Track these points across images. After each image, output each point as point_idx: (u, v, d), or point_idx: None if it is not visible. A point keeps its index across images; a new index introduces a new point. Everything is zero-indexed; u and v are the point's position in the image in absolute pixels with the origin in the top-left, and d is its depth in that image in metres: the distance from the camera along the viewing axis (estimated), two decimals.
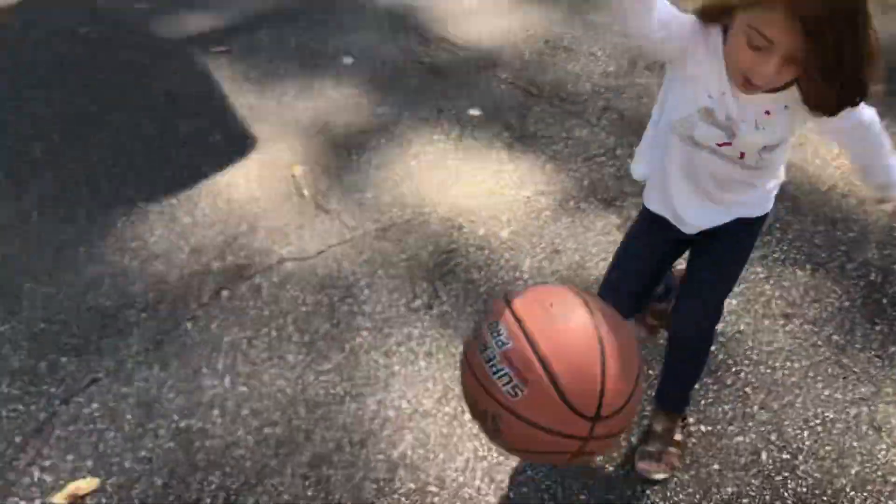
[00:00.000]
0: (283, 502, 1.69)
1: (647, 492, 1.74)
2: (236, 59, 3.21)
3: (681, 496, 1.74)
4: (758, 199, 1.61)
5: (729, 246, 1.63)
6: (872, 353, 2.09)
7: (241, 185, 2.57)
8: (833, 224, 2.51)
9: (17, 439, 1.80)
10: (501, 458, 1.79)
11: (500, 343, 1.17)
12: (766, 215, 1.65)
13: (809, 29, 1.17)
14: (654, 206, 1.62)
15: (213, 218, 2.43)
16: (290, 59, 3.22)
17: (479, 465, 1.78)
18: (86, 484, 1.71)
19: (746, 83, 1.31)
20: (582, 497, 1.73)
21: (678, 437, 1.81)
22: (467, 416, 1.87)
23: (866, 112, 1.46)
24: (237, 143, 2.75)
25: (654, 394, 1.84)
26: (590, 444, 1.20)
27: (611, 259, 1.76)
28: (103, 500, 1.68)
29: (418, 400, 1.92)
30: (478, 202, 2.54)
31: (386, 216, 2.47)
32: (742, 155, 1.45)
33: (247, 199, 2.52)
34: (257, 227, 2.41)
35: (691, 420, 1.90)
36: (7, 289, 2.18)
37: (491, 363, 1.18)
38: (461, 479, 1.75)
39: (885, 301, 2.24)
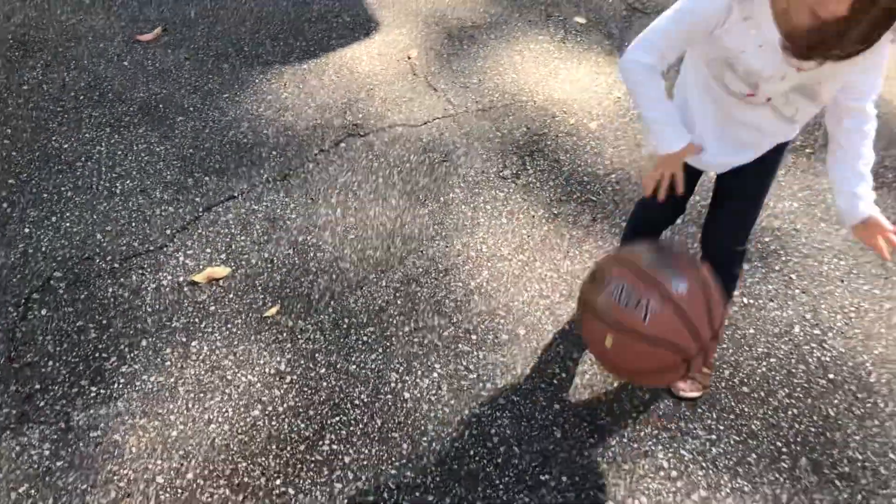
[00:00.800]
0: (376, 306, 2.04)
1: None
2: None
3: (717, 351, 2.00)
4: (788, 132, 1.59)
5: (757, 172, 1.63)
6: None
7: (363, 60, 2.89)
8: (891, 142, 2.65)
9: (168, 232, 2.19)
10: (562, 298, 2.09)
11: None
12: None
13: None
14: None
15: (337, 83, 2.76)
16: None
17: (542, 301, 2.08)
18: (220, 270, 2.09)
19: (814, 17, 1.22)
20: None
21: (711, 358, 1.88)
22: (537, 263, 2.17)
23: (872, 121, 1.45)
24: (363, 25, 3.06)
25: None
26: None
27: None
28: (233, 284, 2.06)
29: (497, 246, 2.22)
30: (572, 96, 2.78)
31: (487, 99, 2.75)
32: (768, 98, 1.45)
33: (367, 72, 2.83)
34: (374, 96, 2.73)
35: (736, 293, 2.14)
36: (163, 120, 2.57)
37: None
38: (525, 309, 2.06)
39: None
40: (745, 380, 1.94)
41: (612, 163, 2.53)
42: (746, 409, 1.88)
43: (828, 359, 2.01)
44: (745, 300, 2.14)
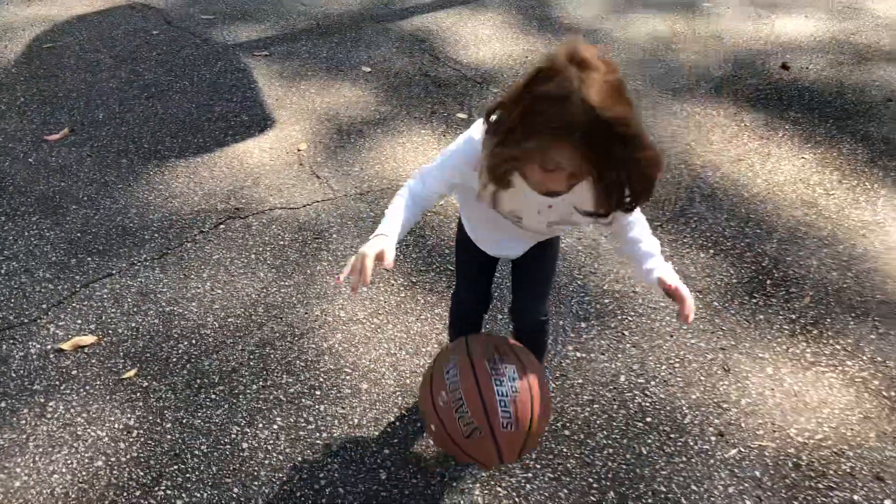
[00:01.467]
0: (229, 367, 2.19)
1: None
2: (273, 62, 3.82)
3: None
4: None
5: (542, 257, 1.85)
6: (743, 318, 2.48)
7: (255, 153, 3.14)
8: (746, 222, 2.90)
9: (44, 306, 2.36)
10: (407, 356, 2.26)
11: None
12: None
13: (589, 156, 1.30)
14: (481, 245, 1.82)
15: (227, 174, 3.00)
16: (318, 65, 3.82)
17: (388, 359, 2.25)
18: (87, 339, 2.25)
19: (547, 192, 1.45)
20: None
21: None
22: (389, 325, 2.35)
23: (640, 221, 1.67)
24: (259, 123, 3.33)
25: None
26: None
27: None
28: (97, 351, 2.22)
29: (354, 311, 2.40)
30: None
31: (366, 184, 2.99)
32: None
33: (257, 163, 3.08)
34: (260, 183, 2.96)
35: (570, 348, 2.32)
36: (57, 209, 2.77)
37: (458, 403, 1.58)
38: (371, 366, 2.22)
39: (768, 282, 2.62)
40: (567, 424, 2.10)
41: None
42: (564, 450, 2.03)
43: (647, 404, 2.17)
44: (577, 354, 2.31)
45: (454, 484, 1.92)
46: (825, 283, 2.63)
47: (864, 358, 2.35)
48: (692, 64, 3.99)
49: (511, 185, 1.46)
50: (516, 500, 1.90)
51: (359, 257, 1.44)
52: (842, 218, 2.94)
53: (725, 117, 3.55)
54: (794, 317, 2.49)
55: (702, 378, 2.26)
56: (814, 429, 2.13)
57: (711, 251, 2.75)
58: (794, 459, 2.04)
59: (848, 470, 2.02)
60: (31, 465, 1.90)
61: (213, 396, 2.10)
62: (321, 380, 2.17)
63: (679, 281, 1.62)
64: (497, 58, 3.97)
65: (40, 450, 1.93)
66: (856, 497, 1.96)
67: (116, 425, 2.01)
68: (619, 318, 2.45)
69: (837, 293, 2.59)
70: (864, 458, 2.06)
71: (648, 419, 2.13)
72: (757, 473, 2.00)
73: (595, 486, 1.94)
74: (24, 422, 2.00)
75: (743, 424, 2.13)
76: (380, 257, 1.45)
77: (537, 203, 1.55)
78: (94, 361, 2.18)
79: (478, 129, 1.51)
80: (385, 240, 1.48)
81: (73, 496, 1.83)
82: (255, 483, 1.89)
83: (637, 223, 1.68)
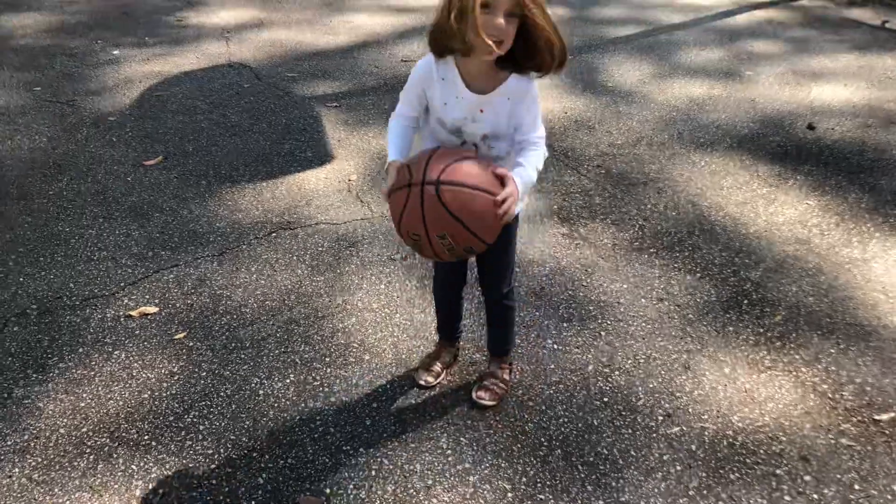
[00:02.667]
0: (259, 336, 2.65)
1: (486, 413, 2.53)
2: (341, 111, 4.40)
3: (518, 377, 2.52)
4: None
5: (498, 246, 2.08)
6: (713, 329, 2.77)
7: (311, 181, 3.67)
8: (737, 253, 3.19)
9: (122, 284, 2.90)
10: (406, 337, 2.66)
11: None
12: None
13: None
14: None
15: (284, 195, 3.53)
16: (379, 115, 4.37)
17: (391, 339, 2.66)
18: (150, 309, 2.76)
19: (483, 44, 1.79)
20: (440, 420, 2.56)
21: (506, 376, 2.45)
22: (397, 315, 2.77)
23: (538, 146, 1.99)
24: (320, 158, 3.87)
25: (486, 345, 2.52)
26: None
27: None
28: (157, 318, 2.72)
29: (369, 302, 2.84)
30: None
31: None
32: (475, 145, 1.99)
33: (312, 188, 3.60)
34: (311, 203, 3.48)
35: (549, 341, 2.67)
36: (144, 215, 3.35)
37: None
38: (375, 343, 2.63)
39: (745, 302, 2.91)
40: (532, 397, 2.44)
41: None
42: (525, 416, 2.37)
43: (607, 388, 2.49)
44: (554, 346, 2.66)
45: (424, 433, 2.29)
46: (799, 305, 2.89)
47: (819, 367, 2.60)
48: (719, 122, 4.33)
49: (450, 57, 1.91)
50: (474, 447, 2.25)
51: (390, 176, 1.93)
52: (831, 254, 3.19)
53: (741, 168, 3.86)
54: (762, 331, 2.76)
55: (662, 372, 2.57)
56: (755, 417, 2.39)
57: (698, 275, 3.05)
58: (730, 439, 2.31)
59: (777, 451, 2.28)
60: (95, 392, 2.40)
61: (243, 356, 2.56)
62: (332, 350, 2.60)
63: (515, 178, 1.90)
64: None
65: (103, 382, 2.43)
66: (778, 471, 2.21)
67: (163, 371, 2.49)
68: (599, 321, 2.79)
69: (809, 315, 2.84)
70: (794, 442, 2.31)
71: (605, 399, 2.45)
72: (693, 447, 2.28)
73: (545, 444, 2.27)
74: (94, 363, 2.51)
75: (690, 409, 2.42)
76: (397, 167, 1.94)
77: (471, 106, 1.95)
78: (153, 325, 2.69)
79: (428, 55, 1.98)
80: (398, 163, 1.96)
81: (123, 416, 2.31)
82: (264, 419, 2.32)
83: (534, 144, 2.00)
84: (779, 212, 3.48)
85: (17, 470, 2.15)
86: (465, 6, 1.83)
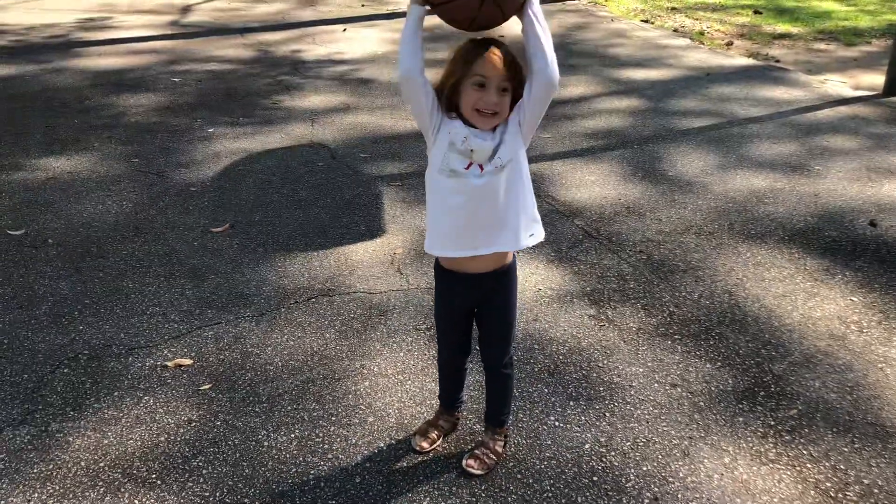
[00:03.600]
0: (276, 392, 2.83)
1: (472, 481, 2.60)
2: (402, 190, 4.64)
3: (512, 450, 2.58)
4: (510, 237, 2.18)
5: (501, 302, 2.31)
6: (722, 418, 2.74)
7: (359, 252, 3.89)
8: (764, 344, 3.15)
9: (165, 338, 3.15)
10: (413, 403, 2.77)
11: None
12: (515, 263, 2.31)
13: (508, 62, 2.01)
14: (447, 250, 2.23)
15: (331, 265, 3.75)
16: None
17: (398, 404, 2.78)
18: (185, 361, 2.99)
19: (479, 115, 2.02)
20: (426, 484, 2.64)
21: (498, 448, 2.51)
22: (409, 382, 2.89)
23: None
24: (372, 232, 4.10)
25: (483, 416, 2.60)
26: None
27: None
28: (190, 370, 2.95)
29: (386, 367, 2.97)
30: None
31: (431, 286, 3.60)
32: (480, 167, 2.08)
33: (358, 259, 3.81)
34: (354, 273, 3.68)
35: (552, 418, 2.72)
36: (200, 276, 3.64)
37: None
38: (382, 407, 2.76)
39: (762, 394, 2.87)
40: (523, 470, 2.49)
41: None
42: (511, 487, 2.42)
43: (599, 468, 2.51)
44: (556, 423, 2.71)
45: (409, 495, 2.38)
46: (819, 401, 2.82)
47: (827, 464, 2.53)
48: (775, 215, 4.29)
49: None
50: (455, 502, 2.31)
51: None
52: (865, 352, 3.10)
53: (788, 261, 3.82)
54: (773, 423, 2.72)
55: (659, 456, 2.56)
56: None
57: (719, 364, 3.03)
58: None
59: None
60: (118, 432, 2.62)
61: (257, 410, 2.74)
62: (339, 410, 2.74)
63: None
64: (591, 198, 4.52)
65: (128, 424, 2.66)
66: None
67: (182, 418, 2.69)
68: (607, 402, 2.81)
69: (827, 411, 2.78)
70: None
71: (595, 478, 2.46)
72: None
73: None
74: (124, 406, 2.75)
75: (679, 495, 2.40)
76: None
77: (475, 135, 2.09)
78: (184, 376, 2.92)
79: None
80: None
81: (138, 455, 2.51)
82: (262, 469, 2.47)
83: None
84: (818, 306, 3.42)
85: (36, 495, 2.37)
86: (459, 82, 2.05)
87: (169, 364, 2.99)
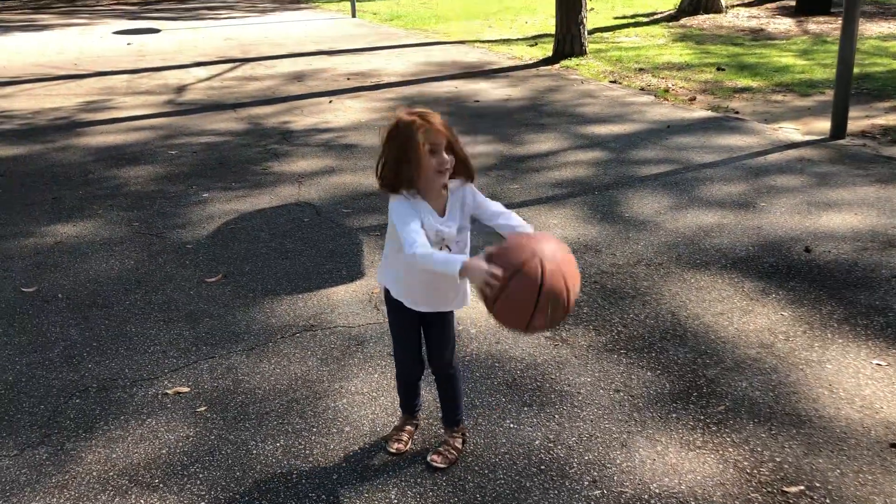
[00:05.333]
0: (264, 411, 3.20)
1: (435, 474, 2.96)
2: (381, 239, 5.03)
3: (471, 448, 2.94)
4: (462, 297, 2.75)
5: (445, 321, 2.78)
6: (658, 416, 3.11)
7: (340, 293, 4.29)
8: (700, 355, 3.53)
9: (165, 371, 3.54)
10: (384, 415, 3.14)
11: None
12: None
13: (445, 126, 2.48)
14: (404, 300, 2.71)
15: (315, 304, 4.15)
16: None
17: (370, 417, 3.15)
18: (184, 389, 3.37)
19: (439, 174, 2.48)
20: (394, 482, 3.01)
21: (458, 444, 2.88)
22: (381, 398, 3.26)
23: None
24: (353, 276, 4.51)
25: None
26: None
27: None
28: (188, 396, 3.32)
29: (361, 387, 3.35)
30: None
31: None
32: (449, 248, 2.58)
33: (339, 299, 4.21)
34: (335, 311, 4.08)
35: (507, 421, 3.09)
36: (195, 320, 4.04)
37: None
38: (357, 420, 3.13)
39: (694, 395, 3.24)
40: (479, 464, 2.85)
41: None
42: (468, 477, 2.78)
43: (547, 458, 2.87)
44: (510, 425, 3.07)
45: (379, 486, 2.73)
46: (745, 399, 3.20)
47: (746, 448, 2.90)
48: (720, 246, 4.72)
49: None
50: (419, 499, 2.67)
51: (475, 270, 2.33)
52: (790, 357, 3.49)
53: (728, 284, 4.22)
54: (702, 418, 3.08)
55: (600, 448, 2.93)
56: (672, 486, 2.71)
57: (658, 371, 3.41)
58: (642, 502, 2.64)
59: None
60: (125, 448, 2.98)
61: (247, 425, 3.11)
62: (320, 423, 3.11)
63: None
64: None
65: (133, 441, 3.02)
66: None
67: (181, 434, 3.06)
68: (557, 407, 3.18)
69: (751, 406, 3.15)
70: None
71: (543, 467, 2.82)
72: None
73: (479, 499, 2.66)
74: (130, 427, 3.11)
75: (615, 478, 2.76)
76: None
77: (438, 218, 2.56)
78: (182, 401, 3.29)
79: (394, 198, 2.58)
80: (472, 260, 2.36)
81: (143, 465, 2.87)
82: (251, 471, 2.83)
83: (505, 213, 2.66)
84: (751, 321, 3.81)
85: (54, 500, 2.72)
86: (418, 157, 2.47)
87: (169, 392, 3.36)
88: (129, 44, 14.18)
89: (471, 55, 12.09)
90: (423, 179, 2.53)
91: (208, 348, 3.73)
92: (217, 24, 16.99)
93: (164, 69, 11.56)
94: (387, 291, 2.81)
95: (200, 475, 2.83)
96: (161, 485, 2.78)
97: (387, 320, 3.90)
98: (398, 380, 2.99)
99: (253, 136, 7.77)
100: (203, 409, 3.23)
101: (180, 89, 10.18)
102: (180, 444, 3.01)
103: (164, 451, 2.97)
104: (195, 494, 2.73)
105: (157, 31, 15.88)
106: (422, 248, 2.44)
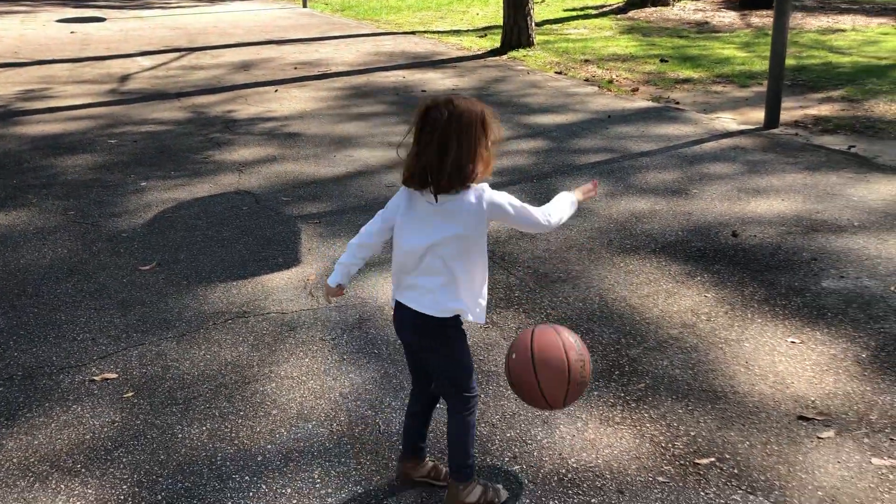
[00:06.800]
0: (192, 396, 3.20)
1: (359, 453, 3.00)
2: (319, 227, 5.08)
3: (395, 426, 2.98)
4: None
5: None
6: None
7: (275, 280, 4.30)
8: (624, 335, 3.62)
9: (94, 358, 3.52)
10: (311, 398, 3.17)
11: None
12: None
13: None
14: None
15: (249, 291, 4.15)
16: (352, 229, 5.01)
17: (299, 399, 3.17)
18: (111, 375, 3.36)
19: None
20: None
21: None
22: (311, 383, 3.29)
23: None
24: (289, 263, 4.52)
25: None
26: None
27: None
28: (115, 382, 3.31)
29: (291, 371, 3.37)
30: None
31: (344, 300, 4.03)
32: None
33: (274, 286, 4.22)
34: (269, 297, 4.09)
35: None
36: (129, 307, 4.02)
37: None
38: (284, 402, 3.15)
39: (616, 373, 3.33)
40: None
41: None
42: (393, 456, 2.82)
43: (504, 449, 2.92)
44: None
45: (303, 467, 2.76)
46: (665, 376, 3.29)
47: (663, 423, 2.99)
48: (651, 231, 4.83)
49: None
50: (341, 478, 2.71)
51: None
52: (710, 336, 3.60)
53: (656, 268, 4.33)
54: (623, 395, 3.17)
55: (522, 425, 2.99)
56: (590, 460, 2.79)
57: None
58: (561, 476, 2.71)
59: (599, 485, 2.67)
60: (48, 435, 2.97)
61: (174, 410, 3.11)
62: (247, 407, 3.12)
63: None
64: (490, 227, 5.00)
65: (57, 428, 3.01)
66: (593, 501, 2.59)
67: (106, 420, 3.05)
68: (483, 387, 3.24)
69: (670, 383, 3.25)
70: (616, 479, 2.69)
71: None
72: (526, 482, 2.69)
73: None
74: (54, 414, 3.10)
75: (535, 454, 2.83)
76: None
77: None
78: (109, 387, 3.28)
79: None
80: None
81: (65, 451, 2.87)
82: (176, 454, 2.84)
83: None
84: (676, 302, 3.92)
85: None
86: (490, 154, 2.29)
87: (96, 378, 3.35)
88: (72, 32, 13.91)
89: (420, 45, 12.11)
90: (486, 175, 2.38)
91: (139, 335, 3.72)
92: (165, 13, 16.75)
93: (108, 58, 11.38)
94: (459, 321, 2.45)
95: (124, 459, 2.83)
96: (83, 469, 2.78)
97: (321, 306, 3.94)
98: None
99: (195, 124, 7.71)
100: (130, 394, 3.23)
101: (124, 78, 10.03)
102: (105, 429, 3.01)
103: (87, 437, 2.96)
104: (117, 478, 2.74)
105: (102, 19, 15.61)
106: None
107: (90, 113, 8.28)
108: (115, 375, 3.37)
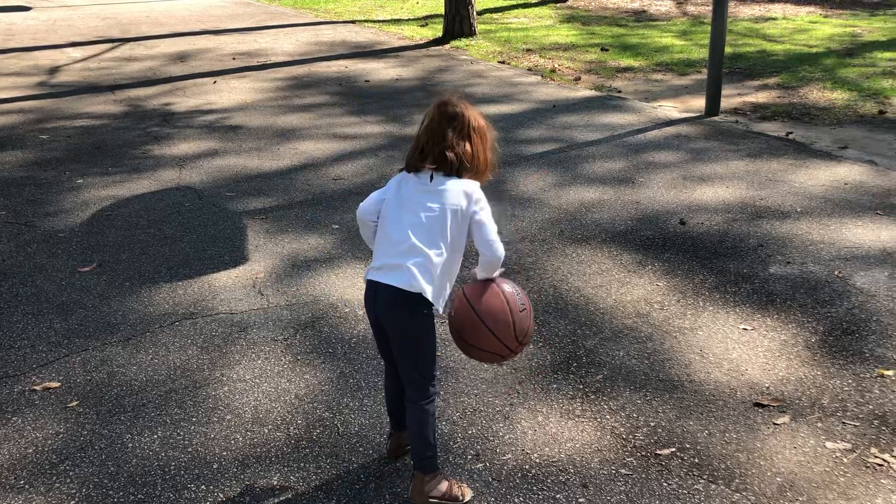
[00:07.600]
0: (141, 403, 3.09)
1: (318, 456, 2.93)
2: (266, 223, 4.96)
3: (355, 427, 2.92)
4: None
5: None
6: (539, 386, 3.17)
7: (222, 279, 4.18)
8: (580, 325, 3.62)
9: (34, 366, 3.36)
10: (263, 401, 3.09)
11: None
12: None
13: None
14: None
15: (196, 292, 4.03)
16: (299, 224, 4.92)
17: (252, 403, 3.09)
18: (53, 384, 3.21)
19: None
20: None
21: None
22: (265, 385, 3.20)
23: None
24: (235, 261, 4.39)
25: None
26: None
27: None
28: (57, 391, 3.17)
29: (243, 375, 3.28)
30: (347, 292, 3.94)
31: (295, 299, 3.94)
32: None
33: (221, 285, 4.10)
34: (217, 297, 3.97)
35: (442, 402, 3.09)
36: (68, 311, 3.85)
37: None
38: (235, 406, 3.06)
39: (574, 365, 3.32)
40: (364, 445, 2.83)
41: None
42: (353, 458, 2.76)
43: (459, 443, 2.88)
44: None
45: (261, 473, 2.68)
46: (622, 367, 3.30)
47: (623, 415, 2.99)
48: (600, 221, 4.85)
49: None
50: (304, 484, 2.64)
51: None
52: (664, 325, 3.62)
53: (607, 257, 4.35)
54: (581, 387, 3.17)
55: (483, 421, 2.96)
56: (552, 455, 2.78)
57: (540, 344, 3.48)
58: (524, 472, 2.69)
59: (562, 480, 2.66)
60: None
61: (122, 418, 2.99)
62: (200, 412, 3.02)
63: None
64: None
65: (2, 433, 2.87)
66: (558, 496, 2.58)
67: (50, 431, 2.92)
68: (442, 384, 3.20)
69: (627, 374, 3.25)
70: (580, 473, 2.68)
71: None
72: (490, 479, 2.66)
73: (363, 479, 2.66)
74: None
75: (498, 450, 2.81)
76: None
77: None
78: (52, 397, 3.14)
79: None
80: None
81: (7, 466, 2.73)
82: (127, 465, 2.73)
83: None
84: (629, 292, 3.94)
85: None
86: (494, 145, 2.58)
87: (37, 388, 3.20)
88: None
89: (361, 35, 11.96)
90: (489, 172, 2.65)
91: (81, 340, 3.57)
92: (94, 2, 16.19)
93: (35, 49, 10.96)
94: (430, 306, 2.47)
95: (71, 473, 2.71)
96: (27, 486, 2.65)
97: (272, 305, 3.84)
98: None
99: (132, 118, 7.46)
100: (74, 403, 3.10)
101: (53, 70, 9.67)
102: (49, 441, 2.88)
103: (30, 451, 2.83)
104: (65, 493, 2.62)
105: (27, 8, 15.02)
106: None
107: (18, 107, 7.95)
108: (57, 384, 3.23)
